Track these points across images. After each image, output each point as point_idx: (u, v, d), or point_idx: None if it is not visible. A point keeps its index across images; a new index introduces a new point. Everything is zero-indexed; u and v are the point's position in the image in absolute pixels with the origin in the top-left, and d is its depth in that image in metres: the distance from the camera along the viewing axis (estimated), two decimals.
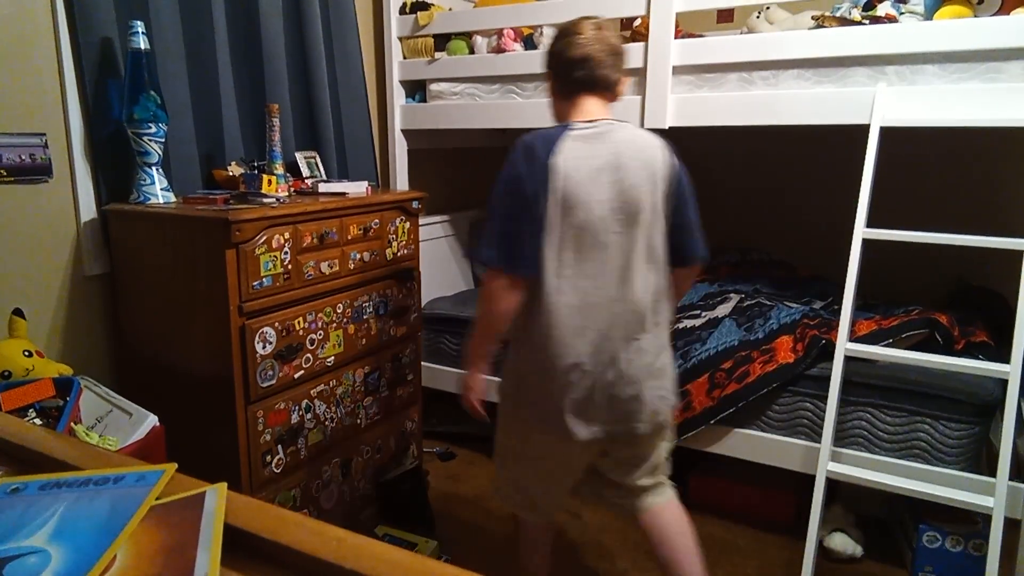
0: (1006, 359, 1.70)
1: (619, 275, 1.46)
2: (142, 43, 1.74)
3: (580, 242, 1.44)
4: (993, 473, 1.70)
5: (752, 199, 3.35)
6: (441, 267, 3.07)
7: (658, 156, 1.49)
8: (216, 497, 0.66)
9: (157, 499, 0.66)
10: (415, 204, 2.21)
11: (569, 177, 1.41)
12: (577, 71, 1.48)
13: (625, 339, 1.47)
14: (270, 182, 2.01)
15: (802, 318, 2.28)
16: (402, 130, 2.77)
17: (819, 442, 1.92)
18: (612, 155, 1.45)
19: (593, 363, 1.46)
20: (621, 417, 1.49)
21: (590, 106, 1.51)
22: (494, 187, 1.47)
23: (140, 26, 1.74)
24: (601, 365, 1.46)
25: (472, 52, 2.61)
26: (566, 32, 1.51)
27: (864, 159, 1.91)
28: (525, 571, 1.78)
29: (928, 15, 1.89)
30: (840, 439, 2.00)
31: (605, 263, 1.45)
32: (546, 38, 2.41)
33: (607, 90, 1.52)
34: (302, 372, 1.84)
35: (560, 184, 1.41)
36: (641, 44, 2.18)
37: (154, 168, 1.82)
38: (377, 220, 2.05)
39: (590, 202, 1.42)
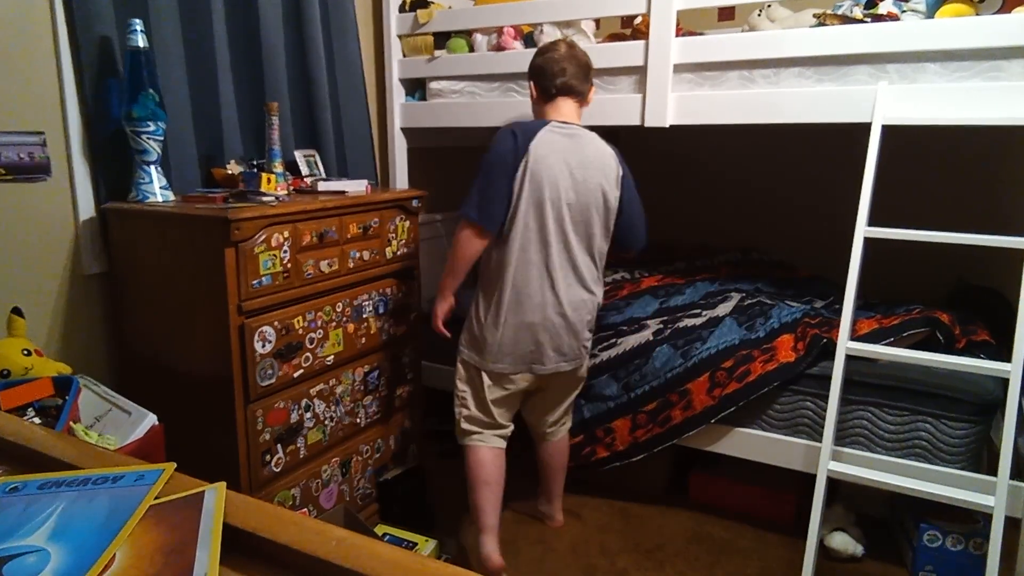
0: (1007, 358, 1.71)
1: (566, 247, 1.83)
2: (141, 41, 1.73)
3: (542, 215, 1.79)
4: (994, 472, 1.70)
5: (752, 198, 3.35)
6: (441, 266, 3.03)
7: (611, 163, 1.88)
8: (215, 496, 0.66)
9: (156, 498, 0.66)
10: (415, 202, 2.21)
11: (541, 160, 1.78)
12: (558, 79, 1.86)
13: (567, 298, 1.86)
14: (269, 180, 2.01)
15: (803, 317, 2.28)
16: (402, 128, 2.77)
17: (820, 441, 1.92)
18: (577, 154, 1.82)
19: (544, 314, 1.85)
20: (563, 356, 1.92)
21: (565, 108, 1.89)
22: (484, 158, 1.82)
23: (139, 24, 1.73)
24: (554, 316, 1.85)
25: (472, 50, 2.61)
26: (545, 50, 1.92)
27: (865, 158, 1.91)
28: (482, 515, 1.92)
29: (930, 13, 1.89)
30: (841, 438, 2.00)
31: (562, 235, 1.82)
32: (546, 36, 2.40)
33: (578, 96, 1.91)
34: (302, 371, 1.83)
35: (533, 164, 1.77)
36: (642, 42, 2.18)
37: (153, 167, 1.81)
38: (377, 219, 2.05)
39: (554, 185, 1.79)
